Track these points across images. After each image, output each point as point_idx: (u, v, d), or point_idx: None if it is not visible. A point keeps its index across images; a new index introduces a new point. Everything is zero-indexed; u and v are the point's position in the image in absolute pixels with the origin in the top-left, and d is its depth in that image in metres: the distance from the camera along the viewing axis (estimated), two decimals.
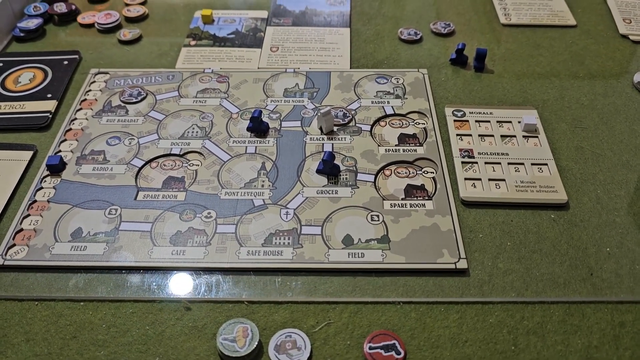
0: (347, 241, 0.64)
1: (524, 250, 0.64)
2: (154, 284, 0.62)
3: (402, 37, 0.94)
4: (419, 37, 0.95)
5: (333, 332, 0.57)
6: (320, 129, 0.77)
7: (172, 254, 0.63)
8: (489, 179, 0.70)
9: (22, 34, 0.98)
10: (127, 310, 0.60)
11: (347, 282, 0.61)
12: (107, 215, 0.68)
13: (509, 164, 0.72)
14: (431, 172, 0.72)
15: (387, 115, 0.80)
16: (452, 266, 0.62)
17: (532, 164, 0.72)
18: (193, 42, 0.95)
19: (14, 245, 0.65)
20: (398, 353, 0.55)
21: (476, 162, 0.73)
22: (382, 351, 0.55)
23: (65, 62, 0.91)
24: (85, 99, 0.84)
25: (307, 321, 0.58)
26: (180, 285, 0.61)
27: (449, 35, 0.96)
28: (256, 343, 0.55)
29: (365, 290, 0.60)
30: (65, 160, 0.75)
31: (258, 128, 0.77)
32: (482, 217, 0.67)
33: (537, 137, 0.76)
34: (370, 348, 0.55)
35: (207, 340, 0.57)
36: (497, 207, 0.68)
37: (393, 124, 0.78)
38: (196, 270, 0.62)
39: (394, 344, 0.56)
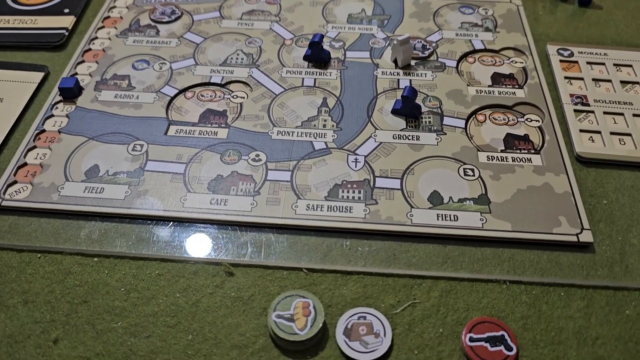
0: (435, 199, 0.50)
1: None
2: (188, 239, 0.48)
3: None
4: None
5: (420, 316, 0.44)
6: (395, 61, 0.63)
7: (210, 203, 0.50)
8: (611, 133, 0.56)
9: None
10: (153, 271, 0.47)
11: (436, 252, 0.47)
12: (130, 152, 0.54)
13: (634, 115, 0.58)
14: (536, 121, 0.57)
15: (475, 51, 0.65)
16: (574, 238, 0.47)
17: None
18: None
19: (15, 182, 0.52)
20: (508, 349, 0.41)
21: (592, 112, 0.58)
22: (487, 345, 0.42)
23: None
24: (108, 17, 0.70)
25: (386, 299, 0.44)
26: (221, 244, 0.48)
27: None
28: (320, 324, 0.42)
29: (459, 264, 0.47)
30: (81, 84, 0.61)
31: (318, 56, 0.62)
32: (604, 179, 0.53)
33: None
34: (470, 340, 0.42)
35: (256, 317, 0.44)
36: (623, 167, 0.54)
37: (484, 61, 0.63)
38: (241, 226, 0.49)
39: (502, 335, 0.42)
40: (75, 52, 0.66)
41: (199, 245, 0.48)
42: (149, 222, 0.50)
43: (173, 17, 0.69)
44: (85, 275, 0.47)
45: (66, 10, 0.71)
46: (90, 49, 0.66)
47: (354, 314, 0.43)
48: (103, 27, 0.69)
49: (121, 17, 0.70)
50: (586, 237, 0.47)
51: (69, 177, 0.52)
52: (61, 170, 0.53)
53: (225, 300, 0.45)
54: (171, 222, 0.50)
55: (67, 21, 0.69)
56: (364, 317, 0.43)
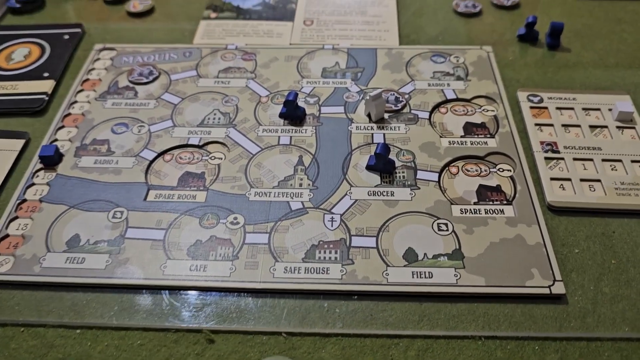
0: (410, 257, 0.51)
1: (634, 270, 0.51)
2: (168, 307, 0.49)
3: (458, 10, 0.81)
4: (477, 9, 0.81)
5: None
6: (369, 115, 0.64)
7: (190, 269, 0.51)
8: (581, 180, 0.57)
9: (18, 5, 0.85)
10: (135, 341, 0.47)
11: (412, 310, 0.48)
12: (110, 220, 0.55)
13: (603, 160, 0.59)
14: (508, 170, 0.58)
15: (448, 101, 0.66)
16: (546, 291, 0.48)
17: (633, 162, 0.59)
18: (213, 15, 0.82)
19: None
20: None
21: (562, 158, 0.59)
22: None
23: (66, 37, 0.78)
24: (87, 79, 0.71)
25: None
26: (201, 310, 0.49)
27: (513, 8, 0.82)
28: None
29: (435, 321, 0.47)
30: (61, 150, 0.62)
31: (293, 114, 0.63)
32: (575, 228, 0.54)
33: (634, 128, 0.62)
34: None
35: None
36: (594, 214, 0.55)
37: (456, 111, 0.65)
38: (221, 291, 0.50)
39: None
40: (55, 116, 0.67)
41: (179, 313, 0.49)
42: (130, 291, 0.50)
43: (151, 77, 0.71)
44: (68, 348, 0.47)
45: (46, 74, 0.72)
46: (70, 114, 0.67)
47: None
48: (82, 90, 0.70)
49: (100, 79, 0.71)
50: (558, 288, 0.48)
51: (51, 248, 0.53)
52: (42, 241, 0.54)
53: None
54: (152, 291, 0.50)
55: (47, 85, 0.71)
56: None
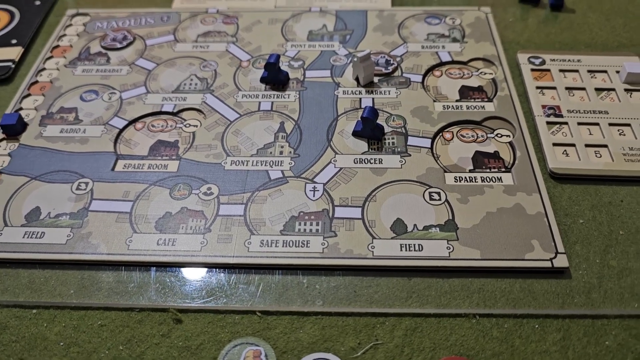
0: (399, 228, 0.46)
1: None
2: (132, 285, 0.45)
3: None
4: None
5: (382, 358, 0.40)
6: (357, 79, 0.59)
7: (158, 243, 0.46)
8: (586, 145, 0.53)
9: None
10: (95, 321, 0.43)
11: (400, 286, 0.44)
12: (74, 191, 0.51)
13: (610, 125, 0.54)
14: (507, 136, 0.54)
15: (442, 63, 0.62)
16: (548, 264, 0.44)
17: None
18: None
19: None
20: None
21: (566, 123, 0.54)
22: None
23: (37, 2, 0.74)
24: (57, 46, 0.67)
25: (345, 342, 0.41)
26: (168, 288, 0.44)
27: None
28: None
29: (425, 298, 0.43)
30: (26, 119, 0.58)
31: (275, 78, 0.59)
32: (580, 196, 0.49)
33: None
34: None
35: None
36: (600, 182, 0.51)
37: (451, 74, 0.60)
38: (190, 267, 0.45)
39: None
40: (21, 85, 0.62)
41: (144, 290, 0.45)
42: (92, 267, 0.46)
43: (125, 42, 0.66)
44: (22, 329, 0.43)
45: (14, 41, 0.68)
46: (37, 81, 0.62)
47: None
48: (51, 57, 0.65)
49: (71, 46, 0.67)
50: (561, 261, 0.44)
51: (8, 222, 0.49)
52: None
53: (171, 350, 0.41)
54: (115, 267, 0.46)
55: (14, 53, 0.66)
56: None
